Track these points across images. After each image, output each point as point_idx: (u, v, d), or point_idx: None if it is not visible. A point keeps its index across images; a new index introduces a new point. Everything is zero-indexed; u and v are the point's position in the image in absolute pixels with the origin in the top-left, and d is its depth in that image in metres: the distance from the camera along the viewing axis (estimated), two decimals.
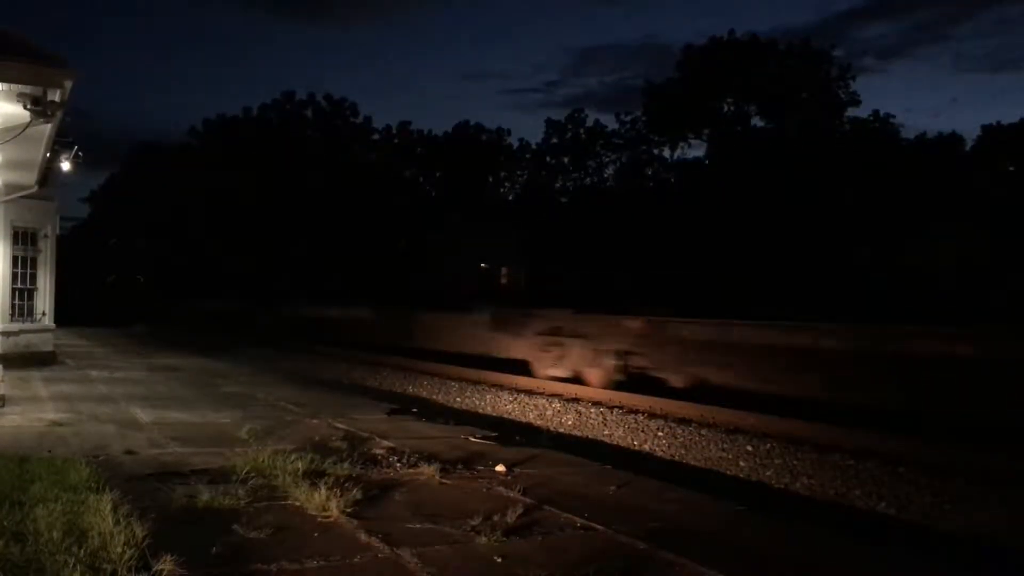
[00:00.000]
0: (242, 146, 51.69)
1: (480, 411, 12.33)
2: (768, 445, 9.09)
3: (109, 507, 4.64)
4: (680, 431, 10.10)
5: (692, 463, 8.69)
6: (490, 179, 57.15)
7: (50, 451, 6.83)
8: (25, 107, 8.41)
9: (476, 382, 15.48)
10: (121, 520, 4.44)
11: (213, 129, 64.41)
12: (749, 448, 9.02)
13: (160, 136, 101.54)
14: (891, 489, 7.27)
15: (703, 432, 9.97)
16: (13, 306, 16.10)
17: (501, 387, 14.71)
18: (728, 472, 8.26)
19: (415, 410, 10.57)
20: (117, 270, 57.08)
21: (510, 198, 55.66)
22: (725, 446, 9.21)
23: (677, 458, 8.95)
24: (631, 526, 4.99)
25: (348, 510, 5.08)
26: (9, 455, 6.47)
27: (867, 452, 8.42)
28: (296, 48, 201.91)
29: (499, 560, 4.35)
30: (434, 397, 13.92)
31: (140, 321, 43.68)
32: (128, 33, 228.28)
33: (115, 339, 27.70)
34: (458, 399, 13.62)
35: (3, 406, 9.66)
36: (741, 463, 8.46)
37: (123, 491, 5.21)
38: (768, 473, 8.06)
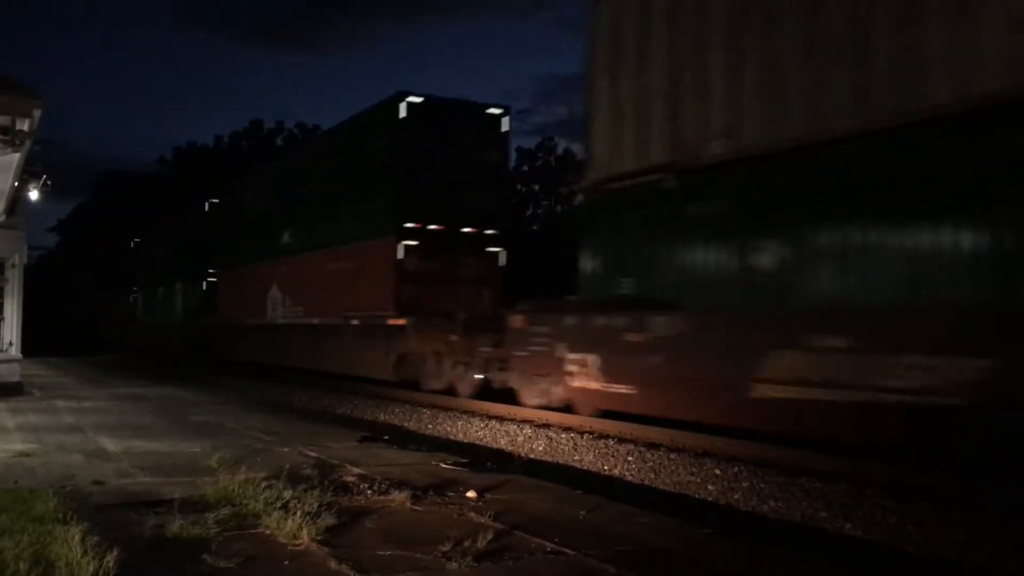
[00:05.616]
0: (211, 175, 51.45)
1: (452, 437, 12.33)
2: (736, 468, 9.19)
3: (77, 538, 4.61)
4: (650, 455, 10.17)
5: (661, 487, 8.76)
6: None
7: (16, 482, 6.77)
8: None
9: (448, 408, 15.49)
10: (89, 551, 4.42)
11: (183, 157, 64.19)
12: (717, 472, 9.11)
13: (130, 165, 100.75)
14: (857, 511, 7.38)
15: (672, 456, 10.06)
16: None
17: (472, 413, 14.73)
18: (697, 495, 8.33)
19: (386, 437, 10.56)
20: (85, 299, 56.26)
21: None
22: (694, 470, 9.29)
23: (647, 482, 9.02)
24: (601, 550, 5.05)
25: (319, 537, 5.10)
26: None
27: (835, 475, 8.54)
28: (269, 77, 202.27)
29: None
30: (405, 424, 13.90)
31: (108, 350, 43.24)
32: (98, 61, 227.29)
33: (83, 368, 27.36)
34: (430, 426, 13.62)
35: None
36: (709, 487, 8.54)
37: (91, 522, 5.18)
38: (736, 496, 8.15)
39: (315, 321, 22.31)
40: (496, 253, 19.25)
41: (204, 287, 32.87)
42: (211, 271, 32.02)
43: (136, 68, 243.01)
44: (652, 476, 9.19)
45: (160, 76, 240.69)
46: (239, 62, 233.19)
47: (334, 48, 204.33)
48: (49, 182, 13.90)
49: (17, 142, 8.55)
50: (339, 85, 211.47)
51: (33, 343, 19.92)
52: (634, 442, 11.08)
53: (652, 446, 10.74)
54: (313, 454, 8.67)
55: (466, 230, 18.85)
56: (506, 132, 19.55)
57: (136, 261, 45.94)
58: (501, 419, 13.83)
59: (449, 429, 13.15)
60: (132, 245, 47.17)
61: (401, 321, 17.95)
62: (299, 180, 24.95)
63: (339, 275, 21.02)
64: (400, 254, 18.23)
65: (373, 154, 19.65)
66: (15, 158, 9.73)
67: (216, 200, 32.95)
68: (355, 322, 19.97)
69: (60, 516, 5.35)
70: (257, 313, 26.52)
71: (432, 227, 18.48)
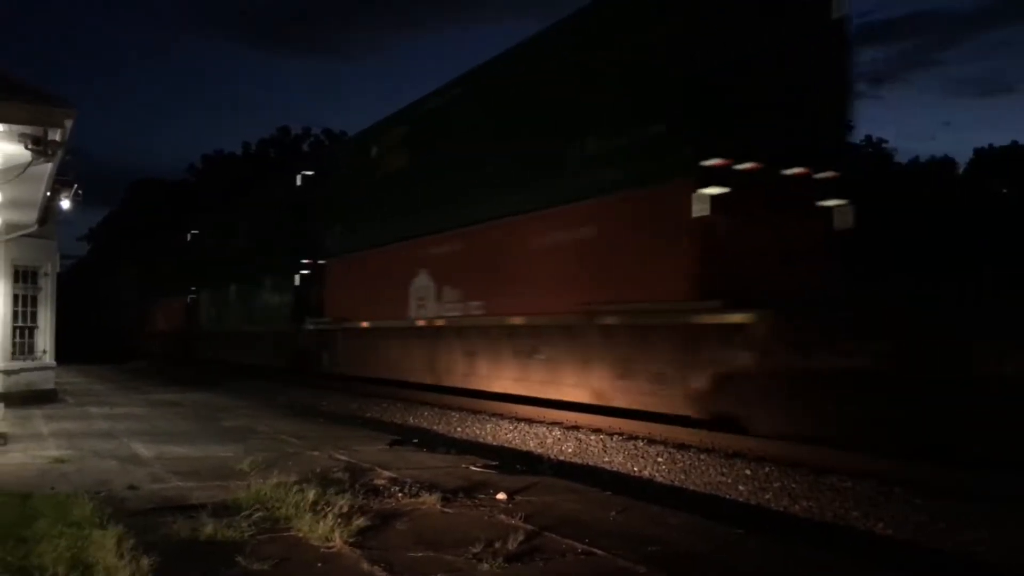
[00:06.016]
0: (239, 181, 51.96)
1: (481, 440, 12.35)
2: (767, 469, 9.12)
3: (113, 542, 4.68)
4: (679, 456, 10.13)
5: (692, 488, 8.71)
6: None
7: (53, 488, 6.87)
8: (26, 147, 8.57)
9: (477, 411, 15.51)
10: (125, 554, 4.49)
11: (212, 165, 64.90)
12: (748, 472, 9.05)
13: (159, 173, 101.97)
14: (887, 510, 7.31)
15: (702, 457, 10.01)
16: (14, 344, 16.19)
17: (501, 416, 14.73)
18: (727, 496, 8.29)
19: (416, 440, 10.60)
20: (116, 307, 56.33)
21: None
22: (724, 470, 9.24)
23: (677, 483, 8.97)
24: (631, 551, 5.04)
25: (351, 540, 5.13)
26: (12, 492, 6.52)
27: (864, 473, 8.46)
28: (295, 83, 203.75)
29: None
30: (434, 427, 13.94)
31: (140, 357, 43.53)
32: (126, 70, 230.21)
33: (115, 375, 27.71)
34: (459, 429, 13.65)
35: (5, 444, 9.70)
36: (740, 487, 8.49)
37: (126, 526, 5.25)
38: (767, 496, 8.09)
39: (517, 320, 14.75)
40: (832, 209, 12.13)
41: (297, 282, 25.32)
42: (307, 261, 24.71)
43: (163, 76, 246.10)
44: (682, 477, 9.14)
45: (188, 84, 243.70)
46: (265, 69, 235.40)
47: (361, 53, 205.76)
48: (80, 191, 14.11)
49: (49, 152, 8.68)
50: (366, 91, 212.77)
51: (66, 350, 20.20)
52: (664, 443, 11.03)
53: (682, 447, 10.69)
54: (343, 458, 8.73)
55: (792, 171, 11.98)
56: (841, 20, 12.41)
57: (195, 257, 38.01)
58: (530, 421, 13.82)
59: (478, 432, 13.17)
60: (188, 239, 39.34)
61: (737, 317, 10.53)
62: (477, 121, 16.67)
63: (566, 250, 13.53)
64: (702, 208, 11.27)
65: (640, 51, 12.31)
66: (47, 168, 9.88)
67: (311, 172, 25.63)
68: (610, 320, 12.54)
69: (96, 520, 5.42)
70: (390, 312, 19.12)
71: (744, 167, 12.30)
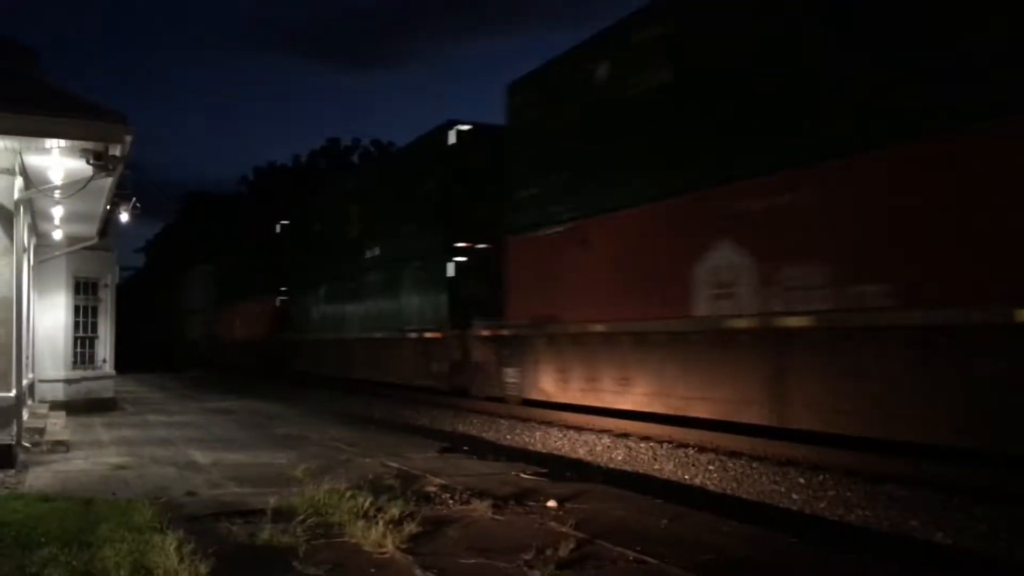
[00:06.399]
0: (289, 193, 52.71)
1: (530, 448, 12.36)
2: (821, 477, 8.99)
3: (173, 546, 4.79)
4: (731, 464, 10.03)
5: (744, 496, 8.62)
6: None
7: (114, 493, 7.06)
8: (88, 162, 8.80)
9: (526, 419, 15.52)
10: (185, 558, 4.59)
11: (263, 177, 66.02)
12: (802, 480, 8.94)
13: (213, 185, 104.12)
14: (946, 518, 7.15)
15: (754, 465, 9.90)
16: (75, 354, 16.64)
17: (551, 424, 14.73)
18: (781, 505, 8.18)
19: (465, 448, 10.67)
20: (176, 316, 56.89)
21: None
22: (777, 479, 9.13)
23: (728, 491, 8.88)
24: (683, 559, 5.01)
25: (403, 546, 5.18)
26: (76, 498, 6.71)
27: (920, 481, 8.30)
28: (344, 95, 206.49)
29: None
30: (484, 435, 13.99)
31: (195, 366, 44.04)
32: (181, 85, 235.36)
33: (170, 384, 28.27)
34: (508, 436, 13.67)
35: (68, 451, 9.97)
36: (794, 495, 8.38)
37: (185, 531, 5.37)
38: (822, 505, 7.97)
39: None
40: None
41: (451, 272, 19.19)
42: (462, 245, 19.15)
43: (217, 90, 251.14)
44: (734, 486, 9.05)
45: (240, 97, 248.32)
46: (313, 81, 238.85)
47: (407, 65, 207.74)
48: (138, 204, 14.47)
49: (110, 167, 8.92)
50: (412, 102, 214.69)
51: (123, 360, 20.67)
52: (715, 451, 10.93)
53: (733, 455, 10.58)
54: (394, 465, 8.81)
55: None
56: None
57: (287, 251, 31.93)
58: (579, 429, 13.79)
59: (527, 440, 13.18)
60: (278, 230, 33.61)
61: None
62: None
63: None
64: None
65: None
66: (107, 182, 10.15)
67: (467, 127, 19.53)
68: None
69: (157, 525, 5.56)
70: (647, 307, 12.75)
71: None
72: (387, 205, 22.95)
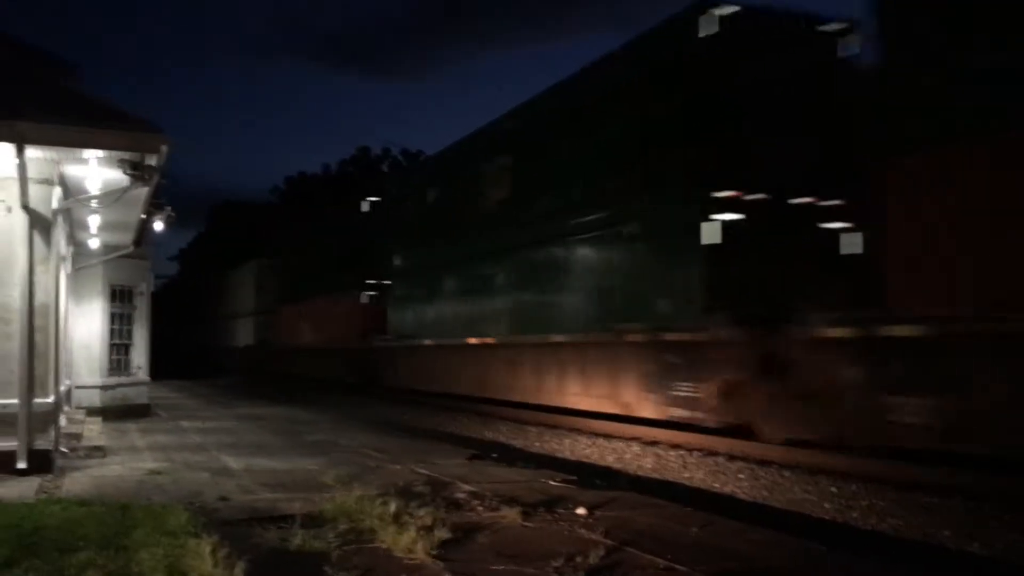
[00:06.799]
0: (320, 201, 53.10)
1: (558, 455, 12.36)
2: (853, 486, 8.92)
3: (208, 550, 4.86)
4: (762, 473, 9.97)
5: (775, 505, 8.57)
6: None
7: (149, 498, 7.16)
8: (124, 172, 8.96)
9: (553, 427, 15.52)
10: (219, 563, 4.66)
11: (295, 186, 66.62)
12: (834, 489, 8.87)
13: (246, 194, 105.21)
14: (978, 528, 7.07)
15: (785, 474, 9.83)
16: (111, 361, 16.88)
17: (579, 431, 14.72)
18: (812, 513, 8.13)
19: (494, 455, 10.69)
20: (210, 323, 57.10)
21: None
22: (808, 487, 9.06)
23: (759, 500, 8.83)
24: (713, 566, 5.01)
25: (433, 552, 5.22)
26: (112, 502, 6.82)
27: (948, 489, 8.22)
28: (375, 105, 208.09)
29: None
30: (512, 442, 14.00)
31: (227, 373, 44.35)
32: (214, 95, 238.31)
33: (203, 391, 28.56)
34: (536, 443, 13.68)
35: (104, 456, 10.13)
36: (826, 504, 8.31)
37: (220, 535, 5.43)
38: (854, 514, 7.91)
39: None
40: None
41: (714, 237, 11.97)
42: (727, 195, 12.00)
43: (247, 101, 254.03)
44: (765, 494, 9.00)
45: (270, 107, 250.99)
46: (344, 91, 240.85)
47: (436, 74, 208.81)
48: (173, 213, 14.66)
49: (146, 177, 9.07)
50: (442, 111, 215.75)
51: (158, 367, 20.92)
52: (745, 459, 10.87)
53: (764, 463, 10.52)
54: (424, 471, 8.86)
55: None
56: None
57: (380, 234, 25.87)
58: (608, 436, 13.77)
59: (556, 447, 13.18)
60: (367, 208, 27.65)
61: None
62: None
63: None
64: None
65: None
66: (144, 192, 10.31)
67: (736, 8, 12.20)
68: None
69: (191, 530, 5.64)
70: None
71: None
72: (567, 154, 16.09)
